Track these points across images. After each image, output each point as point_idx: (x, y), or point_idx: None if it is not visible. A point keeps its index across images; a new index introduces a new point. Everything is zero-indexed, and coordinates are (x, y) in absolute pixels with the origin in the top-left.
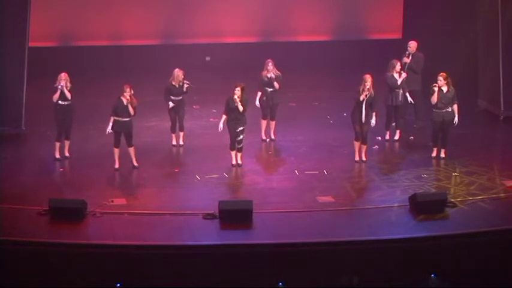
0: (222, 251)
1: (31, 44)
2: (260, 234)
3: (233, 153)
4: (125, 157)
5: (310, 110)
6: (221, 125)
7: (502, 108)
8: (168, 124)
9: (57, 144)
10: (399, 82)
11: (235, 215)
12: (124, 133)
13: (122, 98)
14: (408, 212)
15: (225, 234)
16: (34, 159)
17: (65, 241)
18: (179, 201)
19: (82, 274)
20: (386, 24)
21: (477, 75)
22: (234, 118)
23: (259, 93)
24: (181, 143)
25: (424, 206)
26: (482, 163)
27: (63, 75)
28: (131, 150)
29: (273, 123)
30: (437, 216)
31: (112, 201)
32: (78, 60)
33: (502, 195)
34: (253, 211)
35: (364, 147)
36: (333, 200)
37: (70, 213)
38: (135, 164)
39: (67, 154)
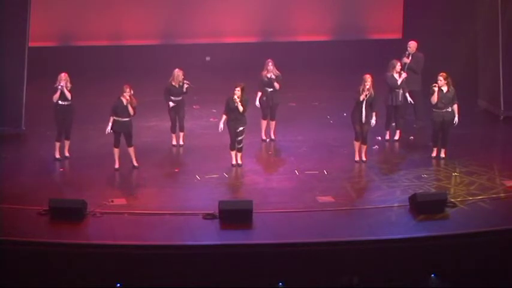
0: (222, 251)
1: (31, 44)
2: (260, 234)
3: (233, 153)
4: (124, 157)
5: (310, 110)
6: (221, 125)
7: (502, 108)
8: (168, 124)
9: (57, 144)
10: (399, 82)
11: (235, 215)
12: (124, 133)
13: (122, 98)
14: (408, 212)
15: (225, 234)
16: (34, 159)
17: (65, 241)
18: (179, 201)
19: (82, 274)
20: (387, 24)
21: (477, 75)
22: (234, 118)
23: (259, 94)
24: (181, 143)
25: (424, 206)
26: (482, 163)
27: (63, 75)
28: (131, 150)
29: (273, 123)
30: (437, 216)
31: (112, 201)
32: (78, 60)
33: (502, 195)
34: (253, 211)
35: (364, 147)
36: (333, 200)
37: (70, 213)
38: (135, 164)
39: (67, 154)
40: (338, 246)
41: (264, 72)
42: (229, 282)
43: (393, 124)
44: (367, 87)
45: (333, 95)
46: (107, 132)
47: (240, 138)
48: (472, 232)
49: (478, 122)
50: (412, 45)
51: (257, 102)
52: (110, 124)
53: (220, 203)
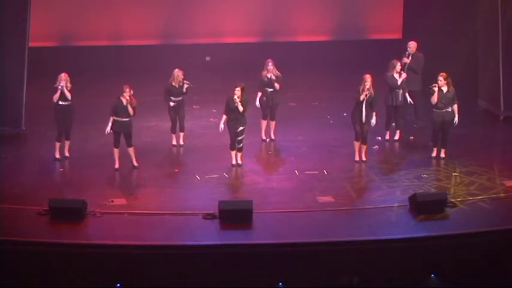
0: (222, 251)
1: (31, 44)
2: (260, 234)
3: (233, 153)
4: (124, 157)
5: (310, 110)
6: (222, 125)
7: (502, 108)
8: (168, 124)
9: (57, 144)
10: (399, 82)
11: (235, 215)
12: (123, 133)
13: (122, 98)
14: (408, 212)
15: (225, 234)
16: (34, 159)
17: (65, 241)
18: (179, 201)
19: (82, 274)
20: (387, 24)
21: (477, 75)
22: (234, 118)
23: (260, 94)
24: (181, 143)
25: (424, 206)
26: (482, 163)
27: (63, 76)
28: (131, 150)
29: (273, 123)
30: (437, 216)
31: (112, 201)
32: (78, 60)
33: (502, 195)
34: (253, 211)
35: (364, 147)
36: (333, 200)
37: (70, 213)
38: (135, 164)
39: (67, 154)
40: (338, 246)
41: (264, 72)
42: (229, 282)
43: (393, 124)
44: (367, 87)
45: (333, 95)
46: (106, 132)
47: (240, 138)
48: (472, 232)
49: (478, 122)
50: (412, 46)
51: (257, 103)
52: (110, 124)
53: (220, 203)
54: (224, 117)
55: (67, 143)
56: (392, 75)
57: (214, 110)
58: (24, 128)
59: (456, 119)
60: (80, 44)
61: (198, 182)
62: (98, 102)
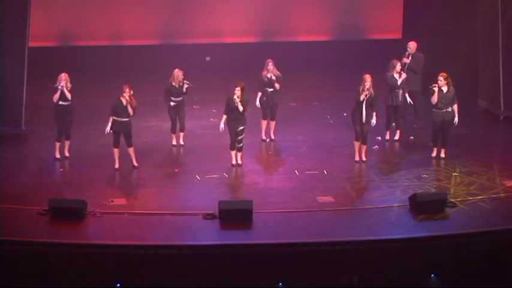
0: (222, 251)
1: (31, 44)
2: (260, 234)
3: (233, 153)
4: (124, 157)
5: (310, 110)
6: (222, 125)
7: (502, 108)
8: (168, 124)
9: (57, 144)
10: (399, 82)
11: (235, 215)
12: (123, 133)
13: (121, 98)
14: (408, 212)
15: (225, 234)
16: (34, 159)
17: (65, 241)
18: (179, 201)
19: (82, 274)
20: (387, 24)
21: (477, 75)
22: (234, 118)
23: (260, 94)
24: (181, 143)
25: (424, 206)
26: (482, 163)
27: (64, 76)
28: (131, 150)
29: (273, 123)
30: (437, 216)
31: (112, 201)
32: (78, 60)
33: (502, 195)
34: (253, 211)
35: (364, 147)
36: (333, 200)
37: (70, 213)
38: (135, 164)
39: (67, 154)
40: (338, 246)
41: (264, 72)
42: (229, 282)
43: (393, 124)
44: (367, 87)
45: (333, 95)
46: (106, 133)
47: (240, 137)
48: (472, 232)
49: (478, 122)
50: (412, 46)
51: (257, 103)
52: (110, 124)
53: (220, 203)
54: (224, 117)
55: (67, 143)
56: (392, 75)
57: (214, 110)
58: (24, 128)
59: (456, 119)
60: (80, 44)
61: (198, 182)
62: (98, 102)
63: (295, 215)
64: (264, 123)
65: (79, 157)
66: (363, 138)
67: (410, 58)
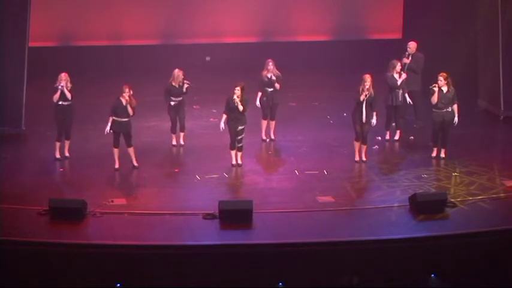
0: (222, 251)
1: (31, 44)
2: (260, 234)
3: (233, 152)
4: (124, 157)
5: (310, 110)
6: (222, 125)
7: (502, 108)
8: (168, 124)
9: (57, 144)
10: (399, 82)
11: (235, 215)
12: (123, 133)
13: (121, 98)
14: (408, 212)
15: (225, 234)
16: (34, 159)
17: (65, 241)
18: (179, 201)
19: (82, 274)
20: (387, 24)
21: (477, 75)
22: (234, 118)
23: (260, 94)
24: (182, 143)
25: (424, 206)
26: (482, 163)
27: (64, 76)
28: (131, 150)
29: (273, 123)
30: (437, 216)
31: (112, 201)
32: (78, 60)
33: (502, 195)
34: (253, 211)
35: (364, 147)
36: (333, 200)
37: (70, 213)
38: (135, 164)
39: (67, 154)
40: (338, 246)
41: (264, 72)
42: (229, 282)
43: (393, 124)
44: (367, 87)
45: (333, 95)
46: (106, 133)
47: (240, 137)
48: (472, 232)
49: (478, 122)
50: (412, 46)
51: (257, 102)
52: (109, 124)
53: (220, 203)
54: (224, 116)
55: (67, 143)
56: (392, 75)
57: (214, 110)
58: (24, 128)
59: (456, 119)
60: (80, 44)
61: (198, 182)
62: (98, 102)
63: (295, 215)
64: (264, 123)
65: (79, 157)
66: (363, 139)
67: (410, 58)
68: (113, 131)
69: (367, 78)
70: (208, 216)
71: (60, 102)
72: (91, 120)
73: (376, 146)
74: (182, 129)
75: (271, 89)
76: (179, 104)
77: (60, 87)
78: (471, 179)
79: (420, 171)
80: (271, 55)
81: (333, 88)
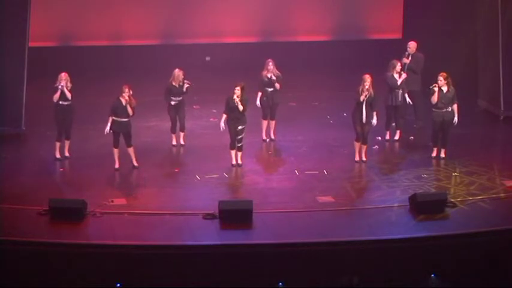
0: (222, 251)
1: (31, 44)
2: (260, 234)
3: (233, 152)
4: (124, 157)
5: (310, 110)
6: (222, 124)
7: (502, 108)
8: (168, 124)
9: (57, 144)
10: (399, 82)
11: (235, 215)
12: (123, 133)
13: (121, 98)
14: (408, 212)
15: (225, 234)
16: (34, 159)
17: (65, 241)
18: (179, 201)
19: (82, 274)
20: (387, 24)
21: (477, 75)
22: (234, 117)
23: (260, 93)
24: (182, 142)
25: (424, 206)
26: (482, 163)
27: (64, 75)
28: (130, 150)
29: (273, 123)
30: (437, 216)
31: (112, 201)
32: (78, 60)
33: (502, 195)
34: (253, 211)
35: (364, 147)
36: (333, 200)
37: (70, 213)
38: (135, 164)
39: (67, 154)
40: (338, 246)
41: (264, 72)
42: (229, 282)
43: (393, 124)
44: (367, 87)
45: (333, 95)
46: (105, 133)
47: (239, 137)
48: (472, 232)
49: (478, 122)
50: (412, 46)
51: (257, 102)
52: (109, 124)
53: (220, 203)
54: (224, 116)
55: (67, 143)
56: (392, 75)
57: (214, 110)
58: (24, 128)
59: (456, 119)
60: (80, 44)
61: (198, 182)
62: (98, 102)
63: (295, 215)
64: (264, 123)
65: (79, 157)
66: (363, 139)
67: (410, 58)
68: (113, 131)
69: (367, 79)
70: (208, 216)
71: (60, 102)
72: (91, 120)
73: (376, 146)
74: (182, 129)
75: (271, 89)
76: (179, 104)
77: (60, 87)
78: (471, 179)
79: (420, 171)
80: (271, 55)
81: (333, 88)
